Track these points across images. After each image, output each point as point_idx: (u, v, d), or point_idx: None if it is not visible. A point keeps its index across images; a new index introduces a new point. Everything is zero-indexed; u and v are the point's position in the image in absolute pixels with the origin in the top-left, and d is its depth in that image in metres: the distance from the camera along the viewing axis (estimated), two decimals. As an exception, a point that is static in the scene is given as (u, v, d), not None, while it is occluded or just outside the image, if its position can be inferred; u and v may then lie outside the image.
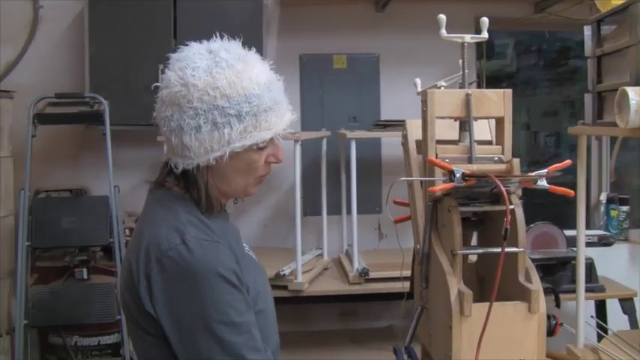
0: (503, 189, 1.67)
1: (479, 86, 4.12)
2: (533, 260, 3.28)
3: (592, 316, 3.13)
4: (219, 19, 3.66)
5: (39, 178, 3.75)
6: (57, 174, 3.94)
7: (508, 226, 1.69)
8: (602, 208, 4.23)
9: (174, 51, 1.51)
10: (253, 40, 3.70)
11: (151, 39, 3.58)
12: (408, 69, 3.61)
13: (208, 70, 1.44)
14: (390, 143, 3.94)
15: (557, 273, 3.34)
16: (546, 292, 3.21)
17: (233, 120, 1.42)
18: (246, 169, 1.49)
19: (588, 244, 3.56)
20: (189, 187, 1.50)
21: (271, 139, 1.50)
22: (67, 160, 3.98)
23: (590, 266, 3.43)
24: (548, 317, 3.10)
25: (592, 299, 3.51)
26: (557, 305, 3.23)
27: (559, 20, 3.96)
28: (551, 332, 3.11)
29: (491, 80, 5.32)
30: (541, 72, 5.85)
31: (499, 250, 1.82)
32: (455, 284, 1.89)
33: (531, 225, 3.51)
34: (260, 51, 3.68)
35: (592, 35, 2.29)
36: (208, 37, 3.81)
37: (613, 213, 4.17)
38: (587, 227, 4.13)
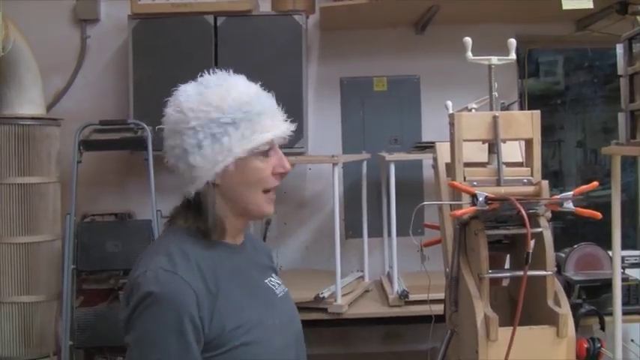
0: (524, 212, 1.66)
1: (521, 106, 4.08)
2: (576, 282, 3.27)
3: (632, 340, 3.06)
4: (259, 44, 3.71)
5: (87, 202, 3.85)
6: (105, 198, 4.03)
7: (529, 250, 1.68)
8: (655, 227, 4.11)
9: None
10: (293, 64, 3.80)
11: (193, 66, 3.61)
12: (448, 90, 3.60)
13: (198, 93, 1.54)
14: (430, 165, 3.92)
15: (601, 295, 3.28)
16: (590, 314, 3.18)
17: (229, 128, 1.50)
18: (254, 180, 1.53)
19: (634, 265, 3.49)
20: (198, 214, 1.54)
21: (273, 149, 1.54)
22: (114, 185, 4.06)
23: (637, 288, 3.35)
24: (593, 340, 3.04)
25: (638, 322, 3.43)
26: (602, 328, 3.17)
27: (602, 37, 3.90)
28: (594, 356, 3.04)
29: (539, 99, 5.25)
30: (593, 89, 5.74)
31: (527, 273, 1.81)
32: (481, 308, 1.88)
33: (575, 246, 3.45)
34: (300, 74, 3.79)
35: (624, 53, 2.26)
36: (248, 63, 3.86)
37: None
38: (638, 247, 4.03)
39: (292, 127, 1.58)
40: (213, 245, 1.55)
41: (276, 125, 1.54)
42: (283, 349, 1.56)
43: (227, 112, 1.50)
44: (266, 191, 1.56)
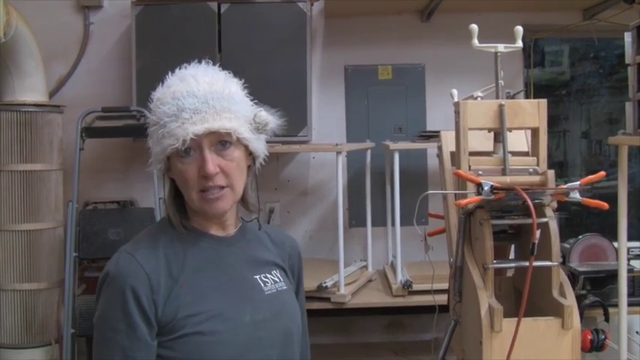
0: (530, 202, 1.64)
1: (526, 96, 4.04)
2: (580, 273, 3.24)
3: (637, 332, 3.03)
4: (263, 32, 3.69)
5: (89, 190, 3.84)
6: (107, 186, 4.02)
7: (535, 241, 1.65)
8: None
9: (220, 64, 1.58)
10: (297, 52, 3.78)
11: (196, 53, 3.55)
12: (453, 79, 3.57)
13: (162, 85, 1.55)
14: (435, 154, 3.91)
15: (606, 286, 3.25)
16: (595, 305, 3.16)
17: (154, 129, 1.50)
18: (181, 180, 1.51)
19: (639, 257, 3.46)
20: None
21: (196, 150, 1.48)
22: (116, 173, 4.05)
23: (642, 279, 3.33)
24: (597, 332, 3.03)
25: (643, 313, 3.41)
26: (607, 320, 3.15)
27: (609, 27, 3.87)
28: (599, 347, 3.03)
29: (545, 89, 5.22)
30: (599, 79, 5.70)
31: (533, 263, 1.79)
32: (485, 299, 1.86)
33: (579, 237, 3.43)
34: (304, 62, 3.75)
35: (632, 42, 2.22)
36: (252, 50, 3.81)
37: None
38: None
39: (216, 124, 1.47)
40: (192, 235, 1.55)
41: (186, 129, 1.44)
42: (250, 346, 1.52)
43: (154, 113, 1.51)
44: (202, 190, 1.50)
